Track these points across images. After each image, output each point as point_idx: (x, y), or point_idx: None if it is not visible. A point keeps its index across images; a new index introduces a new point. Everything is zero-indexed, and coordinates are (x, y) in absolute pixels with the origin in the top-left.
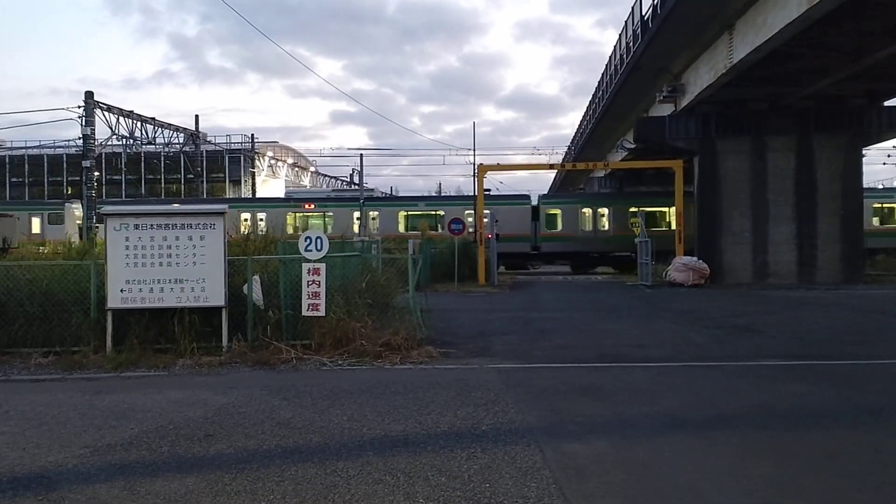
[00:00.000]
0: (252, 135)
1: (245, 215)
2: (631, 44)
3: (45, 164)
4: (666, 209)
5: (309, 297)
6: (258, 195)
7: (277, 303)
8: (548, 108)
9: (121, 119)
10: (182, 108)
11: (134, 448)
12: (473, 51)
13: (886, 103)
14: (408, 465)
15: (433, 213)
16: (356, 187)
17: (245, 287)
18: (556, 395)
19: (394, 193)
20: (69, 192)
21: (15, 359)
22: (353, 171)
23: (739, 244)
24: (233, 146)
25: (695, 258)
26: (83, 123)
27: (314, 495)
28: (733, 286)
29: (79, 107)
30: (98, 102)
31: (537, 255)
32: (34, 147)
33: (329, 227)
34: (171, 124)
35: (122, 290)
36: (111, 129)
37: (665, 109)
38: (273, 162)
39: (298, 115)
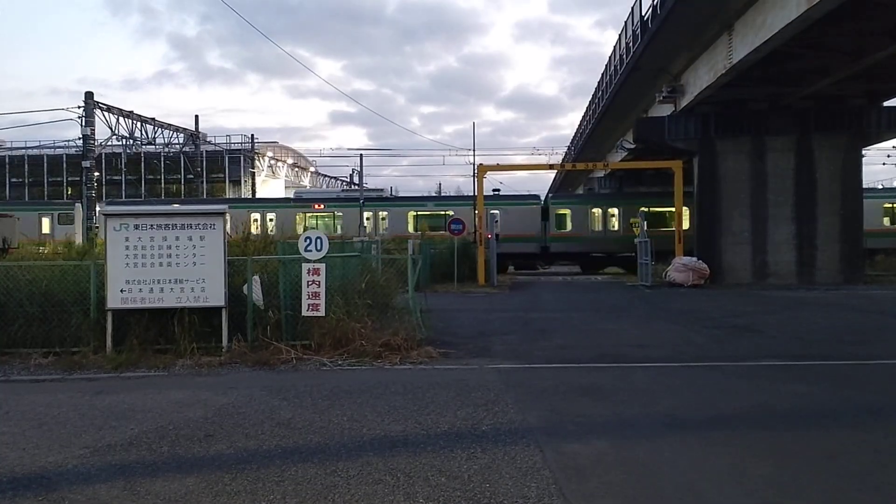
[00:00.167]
0: (252, 135)
1: (255, 215)
2: (630, 44)
3: (45, 165)
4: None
5: (309, 298)
6: (259, 195)
7: (277, 303)
8: (547, 109)
9: (121, 119)
10: (182, 109)
11: (134, 448)
12: (473, 51)
13: (886, 103)
14: (408, 466)
15: (442, 213)
16: (365, 187)
17: (245, 287)
18: (556, 395)
19: (394, 194)
20: (69, 193)
21: (15, 359)
22: (353, 172)
23: (739, 244)
24: (233, 146)
25: (694, 258)
26: (83, 124)
27: (314, 495)
28: (733, 286)
29: (79, 107)
30: (98, 103)
31: (546, 256)
32: (34, 147)
33: (339, 228)
34: (170, 125)
35: (121, 291)
36: (111, 129)
37: (665, 110)
38: (273, 162)
39: (298, 116)
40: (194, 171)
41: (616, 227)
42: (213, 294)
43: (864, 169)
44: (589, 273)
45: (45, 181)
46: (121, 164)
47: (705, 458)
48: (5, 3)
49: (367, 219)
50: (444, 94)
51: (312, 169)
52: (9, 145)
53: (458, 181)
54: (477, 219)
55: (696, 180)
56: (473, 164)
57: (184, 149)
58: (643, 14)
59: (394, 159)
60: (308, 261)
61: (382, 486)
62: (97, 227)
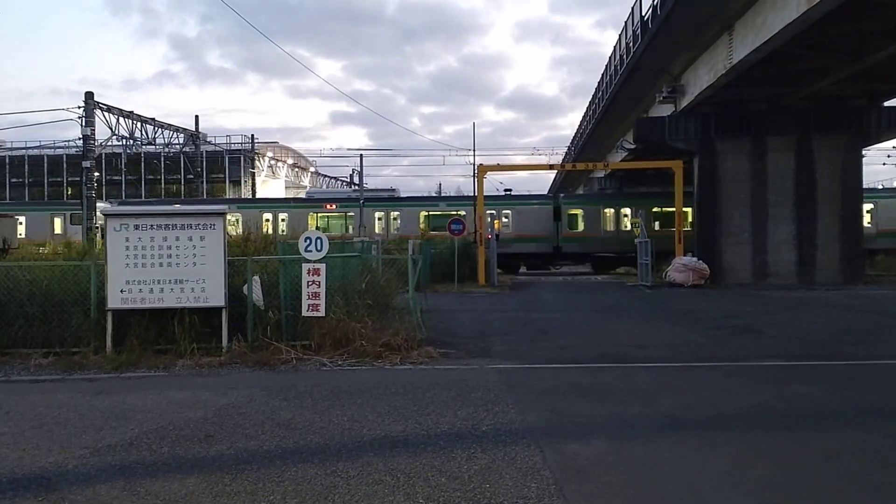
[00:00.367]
0: (252, 135)
1: (267, 215)
2: (631, 44)
3: (45, 165)
4: (686, 209)
5: (309, 298)
6: (259, 195)
7: (277, 303)
8: (547, 109)
9: (121, 119)
10: (182, 109)
11: (134, 449)
12: (473, 51)
13: (886, 103)
14: (408, 466)
15: (454, 213)
16: (378, 187)
17: (245, 287)
18: (557, 395)
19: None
20: (69, 193)
21: (15, 359)
22: (353, 172)
23: (739, 244)
24: (233, 146)
25: (694, 258)
26: (83, 124)
27: (314, 496)
28: (733, 286)
29: (79, 107)
30: (98, 103)
31: (558, 256)
32: (34, 147)
33: (350, 228)
34: (170, 125)
35: (122, 291)
36: (111, 129)
37: (665, 110)
38: (273, 162)
39: (298, 116)
40: (194, 172)
41: (628, 228)
42: (214, 294)
43: (865, 169)
44: (598, 273)
45: (45, 181)
46: (121, 164)
47: (705, 459)
48: (5, 3)
49: (379, 218)
50: (444, 95)
51: (312, 169)
52: (9, 145)
53: (458, 181)
54: (477, 219)
55: (697, 180)
56: (473, 165)
57: (184, 149)
58: (643, 14)
59: (394, 159)
60: (308, 261)
61: (382, 487)
62: (97, 228)
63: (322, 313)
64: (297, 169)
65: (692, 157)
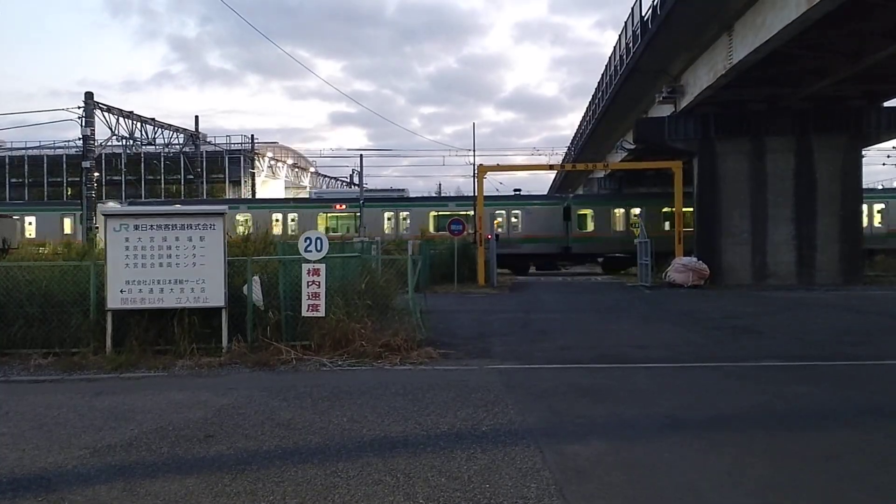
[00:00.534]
0: (252, 135)
1: (276, 216)
2: (630, 45)
3: (45, 165)
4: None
5: (309, 298)
6: (258, 196)
7: (277, 304)
8: (547, 109)
9: (120, 120)
10: (182, 110)
11: (134, 449)
12: (473, 52)
13: (886, 104)
14: (408, 466)
15: (463, 213)
16: (388, 188)
17: (245, 288)
18: (557, 396)
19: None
20: (69, 193)
21: (14, 360)
22: (353, 172)
23: (739, 245)
24: (232, 147)
25: (694, 259)
26: (83, 124)
27: (314, 496)
28: (733, 287)
29: (79, 107)
30: (98, 103)
31: (568, 256)
32: (34, 148)
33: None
34: (170, 125)
35: (121, 291)
36: (111, 129)
37: (664, 110)
38: (273, 163)
39: (298, 117)
40: (194, 172)
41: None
42: (213, 294)
43: (864, 169)
44: (608, 273)
45: (45, 182)
46: (121, 164)
47: (705, 459)
48: (5, 4)
49: (389, 219)
50: (444, 95)
51: (312, 169)
52: (9, 146)
53: (457, 182)
54: (476, 219)
55: (696, 181)
56: (473, 165)
57: (184, 149)
58: (643, 15)
59: (394, 160)
60: (308, 261)
61: (382, 487)
62: (97, 228)
63: (322, 314)
64: (296, 169)
65: (692, 157)
